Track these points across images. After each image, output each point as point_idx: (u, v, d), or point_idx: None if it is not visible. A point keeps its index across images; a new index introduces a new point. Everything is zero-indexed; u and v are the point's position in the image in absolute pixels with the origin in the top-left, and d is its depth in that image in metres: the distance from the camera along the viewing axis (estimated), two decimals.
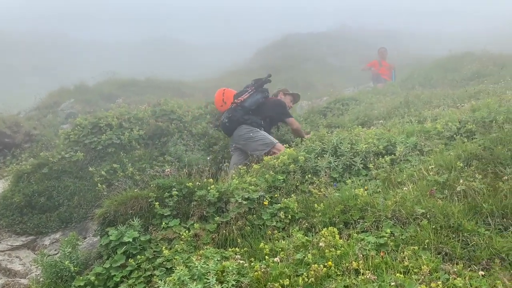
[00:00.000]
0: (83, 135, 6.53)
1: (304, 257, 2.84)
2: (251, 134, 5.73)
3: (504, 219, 3.04)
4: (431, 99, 6.72)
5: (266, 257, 2.97)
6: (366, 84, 13.65)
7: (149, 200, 3.88)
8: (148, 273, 3.28)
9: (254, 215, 3.76)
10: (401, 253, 2.72)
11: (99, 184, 5.56)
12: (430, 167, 3.76)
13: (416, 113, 5.99)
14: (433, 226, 2.95)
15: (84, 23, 34.58)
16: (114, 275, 3.36)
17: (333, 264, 2.70)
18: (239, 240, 3.48)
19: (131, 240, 3.52)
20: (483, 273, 2.44)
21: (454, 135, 4.48)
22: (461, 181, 3.41)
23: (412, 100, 6.82)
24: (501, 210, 3.08)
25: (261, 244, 3.18)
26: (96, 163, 6.24)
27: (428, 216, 3.06)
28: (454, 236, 2.88)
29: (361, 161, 4.41)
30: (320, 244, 2.93)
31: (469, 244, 2.80)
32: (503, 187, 3.26)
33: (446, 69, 11.43)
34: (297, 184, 4.31)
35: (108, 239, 3.63)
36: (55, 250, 5.21)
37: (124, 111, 6.96)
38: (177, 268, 2.81)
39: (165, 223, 3.71)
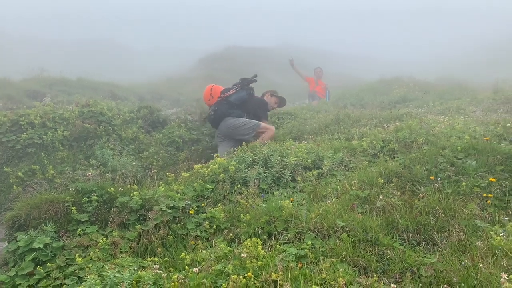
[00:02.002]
0: (1, 132, 6.04)
1: (225, 267, 2.79)
2: (236, 122, 6.23)
3: (418, 235, 3.19)
4: (360, 118, 7.00)
5: (186, 267, 2.88)
6: (302, 100, 14.01)
7: (66, 205, 3.64)
8: (58, 282, 3.04)
9: (178, 224, 3.65)
10: (320, 265, 2.75)
11: (14, 186, 5.17)
12: (353, 182, 3.89)
13: (345, 130, 6.21)
14: (352, 240, 3.03)
15: (16, 18, 32.55)
16: (20, 283, 3.09)
17: (253, 276, 2.67)
18: (159, 250, 3.35)
19: (41, 246, 3.26)
20: (394, 286, 2.51)
21: (378, 153, 4.69)
22: (381, 197, 3.56)
23: (342, 118, 7.06)
24: (415, 226, 3.24)
25: (182, 254, 3.08)
26: (13, 164, 5.79)
27: (347, 229, 3.13)
28: (371, 249, 2.97)
29: (290, 173, 4.47)
30: (242, 254, 2.89)
31: (384, 258, 2.90)
32: (419, 204, 3.43)
33: (376, 91, 12.02)
34: (226, 194, 4.27)
35: (16, 245, 3.34)
36: None
37: (49, 110, 6.54)
38: (89, 277, 2.64)
39: (82, 229, 3.48)
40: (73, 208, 3.57)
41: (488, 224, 3.19)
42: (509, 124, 4.91)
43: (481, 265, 2.60)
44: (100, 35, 33.21)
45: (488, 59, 22.35)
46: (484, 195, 3.56)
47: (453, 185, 3.71)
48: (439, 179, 3.83)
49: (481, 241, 2.91)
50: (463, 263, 2.72)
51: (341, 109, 8.84)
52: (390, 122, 6.24)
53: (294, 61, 13.43)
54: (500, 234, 2.90)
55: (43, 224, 3.50)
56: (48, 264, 3.16)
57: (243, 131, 6.20)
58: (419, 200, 3.50)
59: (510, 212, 3.39)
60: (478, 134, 4.66)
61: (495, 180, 3.68)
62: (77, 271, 3.06)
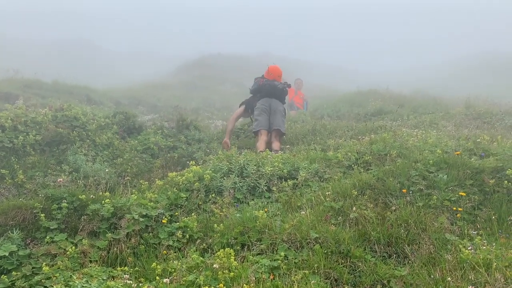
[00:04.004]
0: None
1: (196, 278, 2.75)
2: (283, 113, 7.05)
3: (389, 247, 3.23)
4: (336, 129, 7.08)
5: (157, 277, 2.83)
6: None
7: (35, 211, 3.54)
8: None
9: (151, 234, 3.60)
10: (292, 277, 2.75)
11: None
12: (327, 193, 3.91)
13: (321, 141, 6.26)
14: (325, 251, 3.04)
15: None
16: None
17: (224, 287, 2.64)
18: (130, 259, 3.29)
19: (7, 254, 3.16)
20: None
21: (353, 165, 4.74)
22: (354, 208, 3.59)
23: (319, 129, 7.13)
24: (387, 238, 3.27)
25: (154, 264, 3.03)
26: None
27: (321, 241, 3.15)
28: (343, 261, 2.98)
29: (265, 183, 4.46)
30: (215, 265, 2.87)
31: (355, 270, 2.92)
32: (391, 216, 3.48)
33: (353, 103, 12.17)
34: (200, 203, 4.23)
35: None
36: None
37: (21, 113, 6.36)
38: (55, 287, 2.56)
39: (50, 237, 3.39)
40: (42, 215, 3.48)
41: (457, 238, 3.26)
42: (479, 140, 5.05)
43: (449, 278, 2.65)
44: (79, 36, 32.70)
45: (465, 73, 23.03)
46: (454, 208, 3.64)
47: (425, 199, 3.78)
48: (411, 192, 3.89)
49: (450, 255, 2.96)
50: (432, 276, 2.76)
51: (318, 120, 8.92)
52: (365, 135, 6.32)
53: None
54: (468, 248, 2.96)
55: (9, 231, 3.39)
56: (14, 272, 3.05)
57: (281, 121, 6.81)
58: (391, 213, 3.55)
59: (479, 226, 3.47)
60: (450, 149, 4.77)
61: (465, 194, 3.77)
62: (43, 281, 2.96)
